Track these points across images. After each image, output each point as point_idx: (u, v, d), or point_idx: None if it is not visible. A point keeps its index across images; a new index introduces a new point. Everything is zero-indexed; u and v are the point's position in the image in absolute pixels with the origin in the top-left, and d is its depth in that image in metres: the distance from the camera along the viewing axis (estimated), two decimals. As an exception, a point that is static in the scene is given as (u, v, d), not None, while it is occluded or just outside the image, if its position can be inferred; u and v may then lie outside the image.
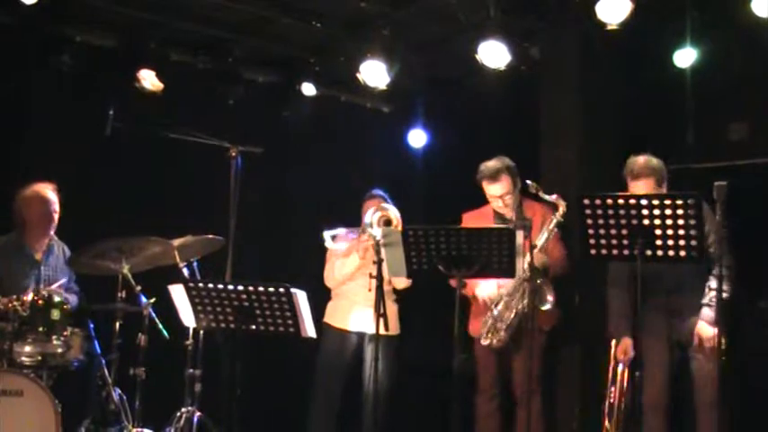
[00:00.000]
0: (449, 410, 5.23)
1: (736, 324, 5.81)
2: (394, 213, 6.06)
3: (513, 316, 5.81)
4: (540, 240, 5.66)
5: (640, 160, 5.40)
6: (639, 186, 5.34)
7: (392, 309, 6.29)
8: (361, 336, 6.34)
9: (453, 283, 5.33)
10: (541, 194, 5.63)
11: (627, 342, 5.49)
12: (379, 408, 5.99)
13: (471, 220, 6.08)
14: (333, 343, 6.36)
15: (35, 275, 5.97)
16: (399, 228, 5.74)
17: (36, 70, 6.86)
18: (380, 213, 6.02)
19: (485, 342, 5.87)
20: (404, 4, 6.92)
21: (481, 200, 6.24)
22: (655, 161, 5.40)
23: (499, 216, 5.99)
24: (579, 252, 4.87)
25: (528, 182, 5.64)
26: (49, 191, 6.03)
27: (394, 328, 6.14)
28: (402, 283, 6.33)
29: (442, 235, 5.05)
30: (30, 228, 6.05)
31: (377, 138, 8.25)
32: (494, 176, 5.89)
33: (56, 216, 6.05)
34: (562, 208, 5.64)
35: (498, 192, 5.90)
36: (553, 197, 5.63)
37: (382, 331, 5.44)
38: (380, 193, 6.48)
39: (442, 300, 5.85)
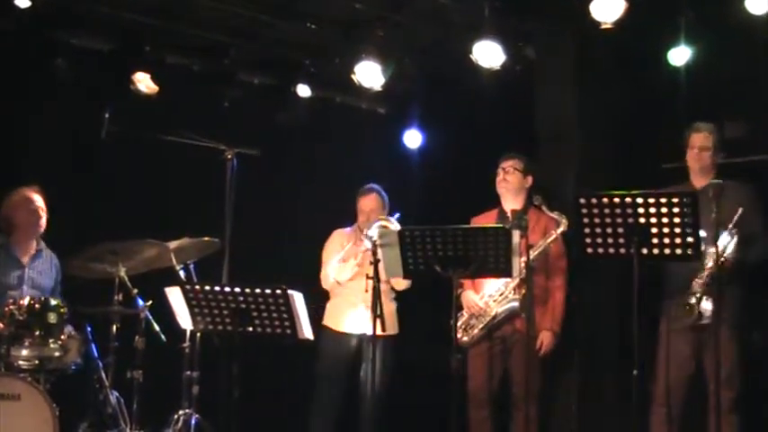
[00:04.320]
0: (446, 412, 5.21)
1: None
2: (395, 227, 5.87)
3: (489, 317, 5.81)
4: (534, 252, 5.72)
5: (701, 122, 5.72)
6: (700, 138, 5.62)
7: (390, 308, 6.29)
8: (359, 337, 6.31)
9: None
10: (544, 209, 5.68)
11: None
12: (375, 408, 5.98)
13: (477, 223, 6.10)
14: (331, 348, 6.33)
15: (19, 277, 5.93)
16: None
17: (31, 74, 6.84)
18: (383, 223, 5.90)
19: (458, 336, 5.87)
20: (398, 5, 6.92)
21: (479, 201, 6.24)
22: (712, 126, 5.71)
23: (503, 219, 6.00)
24: (575, 251, 4.87)
25: (534, 196, 5.72)
26: (34, 194, 6.00)
27: (392, 328, 6.14)
28: (402, 284, 6.31)
29: (438, 235, 5.05)
30: (17, 231, 6.01)
31: (372, 139, 8.23)
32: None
33: (42, 219, 6.02)
34: (563, 226, 5.68)
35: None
36: (555, 214, 5.69)
37: (379, 332, 5.44)
38: (377, 187, 6.48)
39: (439, 300, 5.85)
